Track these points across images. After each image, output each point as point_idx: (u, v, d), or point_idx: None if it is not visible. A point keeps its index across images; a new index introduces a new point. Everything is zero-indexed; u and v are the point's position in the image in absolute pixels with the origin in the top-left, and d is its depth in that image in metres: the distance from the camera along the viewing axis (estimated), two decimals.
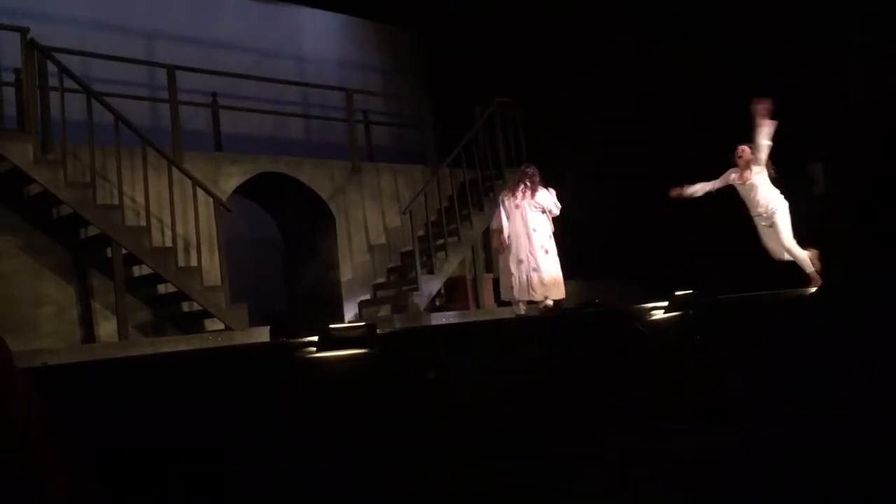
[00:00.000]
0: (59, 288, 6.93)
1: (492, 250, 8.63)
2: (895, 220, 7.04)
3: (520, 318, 7.23)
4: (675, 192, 7.35)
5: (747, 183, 7.12)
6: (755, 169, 7.06)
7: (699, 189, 7.30)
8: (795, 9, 7.91)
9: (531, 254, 7.42)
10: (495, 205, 8.01)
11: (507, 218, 7.56)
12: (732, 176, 7.22)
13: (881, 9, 7.48)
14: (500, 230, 7.59)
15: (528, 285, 7.39)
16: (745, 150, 7.12)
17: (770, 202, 7.05)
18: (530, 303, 7.53)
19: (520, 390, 3.45)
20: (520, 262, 7.44)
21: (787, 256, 7.05)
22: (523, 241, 7.46)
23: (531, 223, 7.48)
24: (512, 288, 7.51)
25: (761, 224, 7.15)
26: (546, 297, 7.40)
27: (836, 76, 7.84)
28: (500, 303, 9.04)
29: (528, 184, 7.57)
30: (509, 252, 7.50)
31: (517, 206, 7.54)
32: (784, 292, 6.78)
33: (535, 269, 7.38)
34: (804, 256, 6.95)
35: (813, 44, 7.92)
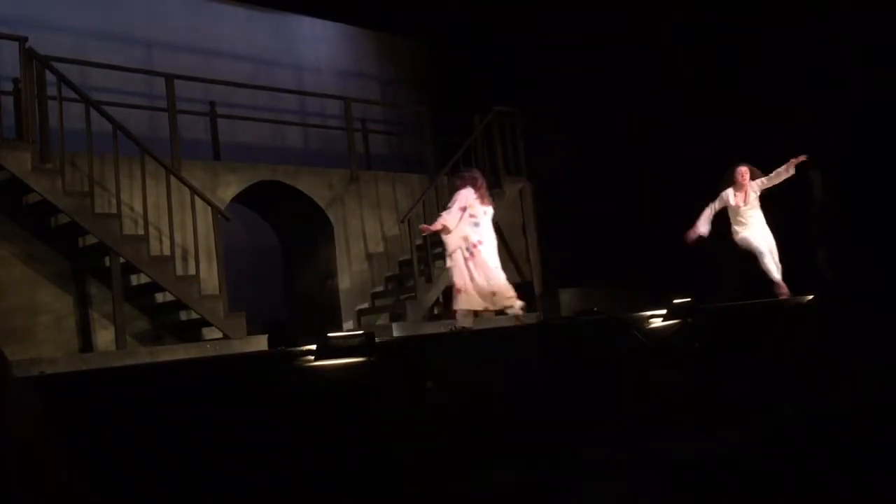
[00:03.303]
0: (57, 297, 6.91)
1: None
2: (893, 227, 7.06)
3: (520, 327, 7.12)
4: (691, 238, 7.14)
5: (747, 204, 7.09)
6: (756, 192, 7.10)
7: (704, 221, 7.16)
8: (794, 17, 7.94)
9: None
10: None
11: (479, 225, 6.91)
12: (733, 197, 7.18)
13: (880, 17, 7.51)
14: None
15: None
16: (746, 172, 7.11)
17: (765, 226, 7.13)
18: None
19: (519, 398, 3.44)
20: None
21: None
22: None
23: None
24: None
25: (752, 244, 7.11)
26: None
27: (836, 83, 7.86)
28: (498, 311, 9.02)
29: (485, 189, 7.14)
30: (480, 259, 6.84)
31: (485, 213, 7.00)
32: (781, 300, 6.79)
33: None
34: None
35: (812, 51, 7.95)
